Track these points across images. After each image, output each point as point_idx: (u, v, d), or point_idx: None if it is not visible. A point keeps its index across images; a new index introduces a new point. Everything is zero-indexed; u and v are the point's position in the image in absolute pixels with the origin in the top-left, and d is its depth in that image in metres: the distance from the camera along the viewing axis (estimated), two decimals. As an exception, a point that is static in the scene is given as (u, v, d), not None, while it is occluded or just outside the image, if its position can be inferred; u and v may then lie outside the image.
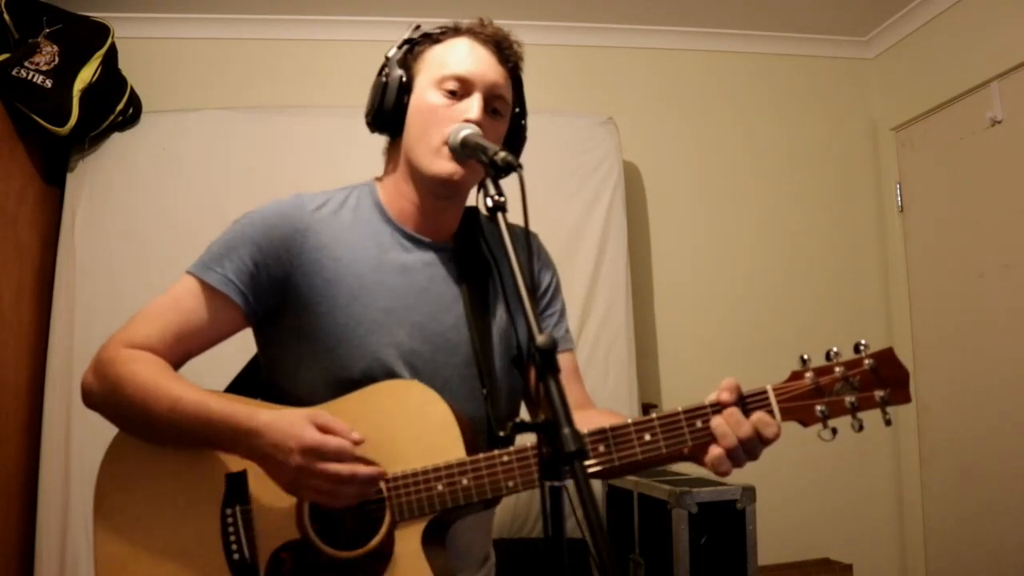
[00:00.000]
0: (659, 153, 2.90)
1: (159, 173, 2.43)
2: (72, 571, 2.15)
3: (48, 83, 2.25)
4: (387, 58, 1.26)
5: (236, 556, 1.11)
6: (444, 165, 1.17)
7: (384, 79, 1.25)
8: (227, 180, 2.44)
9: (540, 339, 0.80)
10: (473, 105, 1.19)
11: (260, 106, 2.58)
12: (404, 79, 1.23)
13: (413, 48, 1.27)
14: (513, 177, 0.98)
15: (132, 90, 2.49)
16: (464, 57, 1.22)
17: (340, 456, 1.05)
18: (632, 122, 2.78)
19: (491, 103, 1.22)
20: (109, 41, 2.41)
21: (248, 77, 2.75)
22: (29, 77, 2.23)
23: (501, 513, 2.30)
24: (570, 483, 0.79)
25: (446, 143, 1.17)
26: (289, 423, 1.06)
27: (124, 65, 2.51)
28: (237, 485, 1.13)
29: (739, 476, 2.11)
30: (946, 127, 2.68)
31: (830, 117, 3.02)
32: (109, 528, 1.16)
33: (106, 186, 2.40)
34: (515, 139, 1.32)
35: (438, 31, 1.27)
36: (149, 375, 1.12)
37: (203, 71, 2.74)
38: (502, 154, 1.01)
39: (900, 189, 2.91)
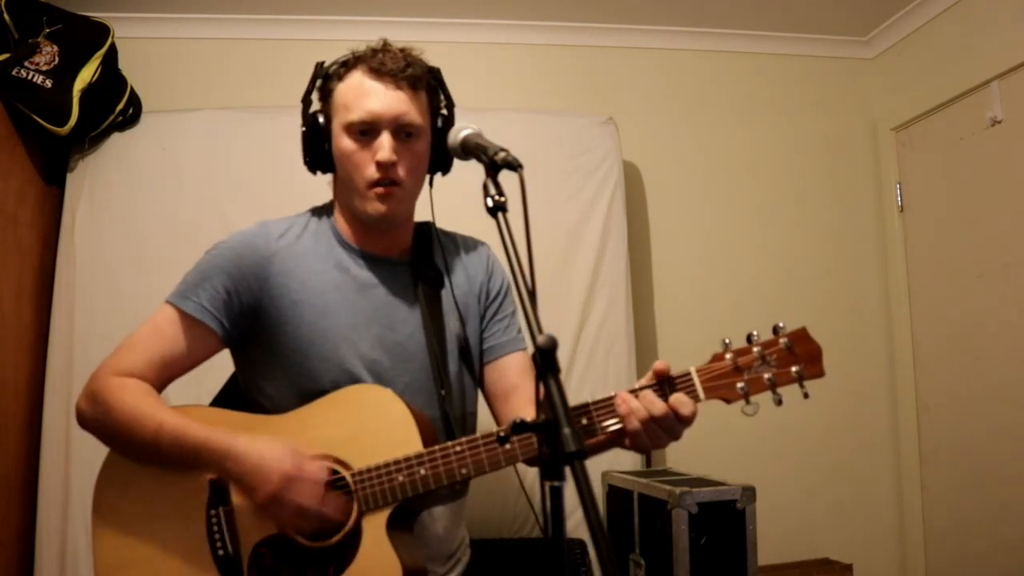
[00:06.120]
0: (659, 153, 2.90)
1: (159, 173, 2.43)
2: (72, 571, 2.15)
3: (48, 83, 2.25)
4: (303, 104, 1.35)
5: (221, 552, 1.22)
6: (374, 207, 1.29)
7: (304, 127, 1.34)
8: (227, 180, 2.43)
9: (540, 339, 0.81)
10: (383, 144, 1.27)
11: (260, 106, 2.58)
12: (322, 121, 1.33)
13: (323, 86, 1.35)
14: (514, 177, 0.99)
15: (132, 90, 2.49)
16: (362, 99, 1.28)
17: (313, 488, 1.17)
18: (632, 122, 2.78)
19: (401, 131, 1.29)
20: (109, 41, 2.41)
21: (248, 77, 2.75)
22: (29, 77, 2.23)
23: (501, 513, 2.30)
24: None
25: (370, 185, 1.27)
26: (267, 451, 1.17)
27: (124, 65, 2.50)
28: (219, 488, 1.24)
29: (739, 476, 2.11)
30: (946, 127, 2.68)
31: (830, 117, 3.02)
32: (107, 527, 1.26)
33: (106, 186, 2.40)
34: (443, 135, 1.30)
35: (339, 67, 1.34)
36: (135, 402, 1.22)
37: (203, 71, 2.73)
38: (502, 154, 1.03)
39: (900, 189, 2.91)
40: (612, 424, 1.13)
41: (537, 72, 2.89)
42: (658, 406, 1.10)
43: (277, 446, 1.17)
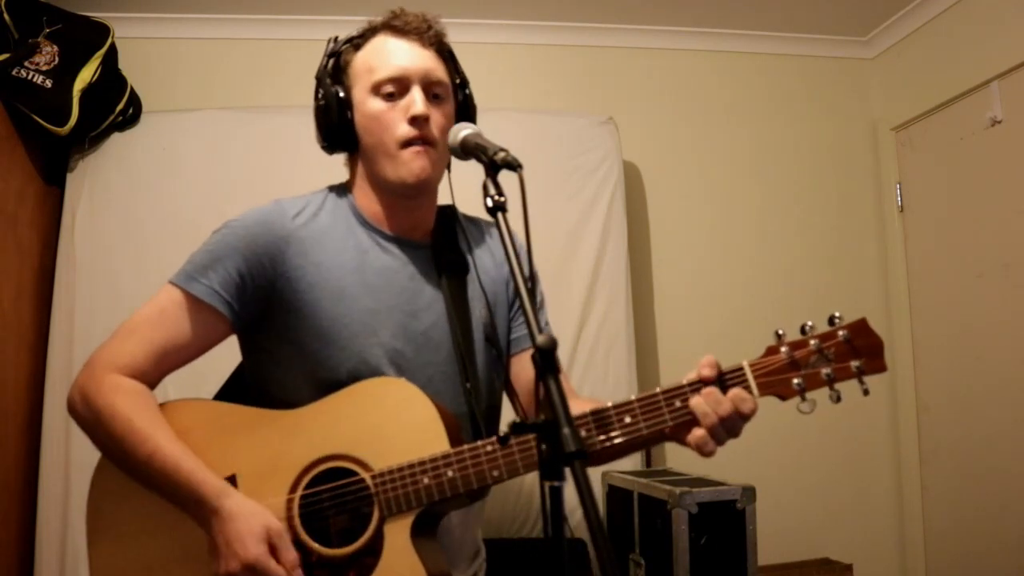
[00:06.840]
0: (659, 153, 2.90)
1: (159, 173, 2.43)
2: (72, 571, 2.15)
3: (48, 83, 2.25)
4: (317, 80, 1.28)
5: None
6: (408, 168, 1.20)
7: (322, 101, 1.26)
8: (227, 180, 2.43)
9: (540, 339, 0.81)
10: (416, 99, 1.20)
11: (260, 106, 2.58)
12: (341, 95, 1.25)
13: (339, 60, 1.28)
14: (513, 176, 0.98)
15: (132, 90, 2.49)
16: (390, 57, 1.23)
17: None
18: (632, 122, 2.78)
19: (430, 90, 1.23)
20: (109, 41, 2.41)
21: (248, 77, 2.74)
22: (29, 77, 2.23)
23: (501, 513, 2.30)
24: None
25: (403, 144, 1.20)
26: (248, 527, 1.06)
27: (124, 65, 2.50)
28: None
29: (739, 476, 2.11)
30: (946, 127, 2.68)
31: (830, 117, 3.02)
32: (103, 541, 1.17)
33: (106, 186, 2.40)
34: (466, 110, 1.32)
35: (357, 35, 1.28)
36: (129, 414, 1.12)
37: (203, 71, 2.73)
38: (502, 154, 1.02)
39: (900, 189, 2.90)
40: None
41: (537, 72, 2.89)
42: (724, 405, 1.05)
43: (259, 521, 1.07)
